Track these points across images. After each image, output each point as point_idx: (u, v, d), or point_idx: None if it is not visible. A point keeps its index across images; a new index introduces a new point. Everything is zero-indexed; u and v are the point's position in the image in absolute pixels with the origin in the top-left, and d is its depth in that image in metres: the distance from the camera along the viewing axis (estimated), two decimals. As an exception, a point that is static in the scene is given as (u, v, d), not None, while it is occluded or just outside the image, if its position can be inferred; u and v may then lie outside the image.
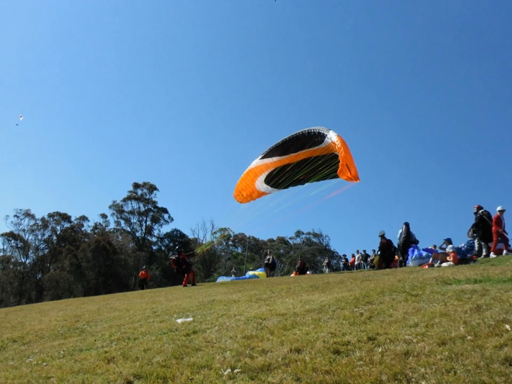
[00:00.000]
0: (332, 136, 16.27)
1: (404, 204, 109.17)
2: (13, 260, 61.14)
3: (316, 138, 17.05)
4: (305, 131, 17.43)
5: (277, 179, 18.68)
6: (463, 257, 15.40)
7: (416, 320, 5.38)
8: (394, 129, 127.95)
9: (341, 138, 15.98)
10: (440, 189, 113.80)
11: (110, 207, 67.29)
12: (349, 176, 14.98)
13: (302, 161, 17.73)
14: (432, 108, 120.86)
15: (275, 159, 18.56)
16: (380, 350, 4.46)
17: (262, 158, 18.80)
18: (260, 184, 19.27)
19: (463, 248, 16.01)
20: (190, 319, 7.63)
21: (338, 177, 15.86)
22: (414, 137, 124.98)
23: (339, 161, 15.29)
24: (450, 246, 15.25)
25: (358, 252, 32.03)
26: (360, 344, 4.79)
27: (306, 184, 18.58)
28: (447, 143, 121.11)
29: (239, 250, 72.94)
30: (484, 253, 15.43)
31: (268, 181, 19.10)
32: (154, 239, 69.42)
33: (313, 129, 17.17)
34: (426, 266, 14.53)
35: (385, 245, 20.12)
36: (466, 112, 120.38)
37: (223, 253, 71.96)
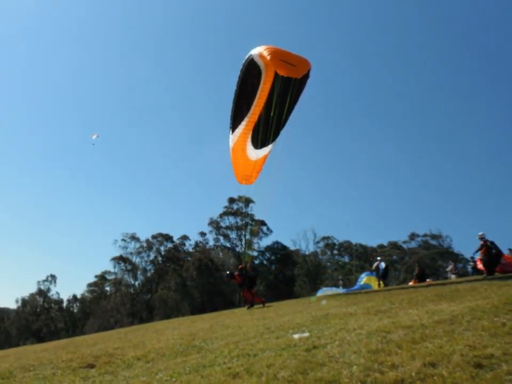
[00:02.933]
0: (256, 54, 15.51)
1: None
2: (123, 282, 67.59)
3: (254, 72, 16.03)
4: (241, 74, 16.46)
5: (261, 137, 17.38)
6: None
7: None
8: None
9: (264, 46, 15.24)
10: None
11: (208, 224, 70.63)
12: (289, 68, 14.42)
13: (266, 104, 16.55)
14: None
15: (244, 123, 17.44)
16: (531, 363, 4.21)
17: (233, 130, 17.73)
18: (253, 153, 17.96)
19: None
20: (307, 334, 7.84)
21: (300, 91, 15.24)
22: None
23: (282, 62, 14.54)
24: None
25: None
26: (506, 357, 4.55)
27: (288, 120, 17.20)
28: None
29: (346, 259, 71.60)
30: None
31: (256, 145, 17.84)
32: (255, 253, 71.25)
33: (245, 66, 16.35)
34: None
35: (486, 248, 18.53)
36: None
37: (328, 263, 71.31)
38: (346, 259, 71.46)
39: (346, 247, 70.75)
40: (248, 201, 68.14)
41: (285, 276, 69.03)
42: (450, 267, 33.87)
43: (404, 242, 71.42)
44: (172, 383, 6.35)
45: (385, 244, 71.90)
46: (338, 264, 70.29)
